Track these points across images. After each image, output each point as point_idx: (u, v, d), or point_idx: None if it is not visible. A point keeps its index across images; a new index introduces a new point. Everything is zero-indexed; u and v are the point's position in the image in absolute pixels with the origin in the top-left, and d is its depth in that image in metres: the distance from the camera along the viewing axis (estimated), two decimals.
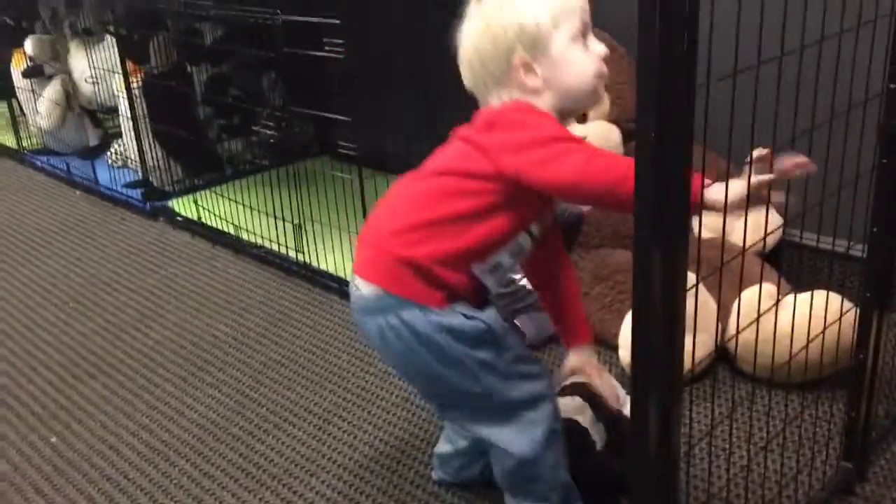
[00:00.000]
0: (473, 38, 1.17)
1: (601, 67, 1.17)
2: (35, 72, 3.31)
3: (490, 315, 1.18)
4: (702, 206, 0.96)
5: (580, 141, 1.11)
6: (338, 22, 1.91)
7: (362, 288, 1.18)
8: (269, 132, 2.42)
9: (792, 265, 2.04)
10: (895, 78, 1.15)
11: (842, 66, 1.08)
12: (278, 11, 2.09)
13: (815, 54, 1.02)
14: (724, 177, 0.99)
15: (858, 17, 1.08)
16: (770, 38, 0.95)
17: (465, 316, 1.16)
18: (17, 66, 3.40)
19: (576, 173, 1.06)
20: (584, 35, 1.16)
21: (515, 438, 1.21)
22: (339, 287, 2.21)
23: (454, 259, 1.15)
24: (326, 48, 1.95)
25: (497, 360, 1.18)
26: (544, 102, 1.16)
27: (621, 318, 1.83)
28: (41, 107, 3.34)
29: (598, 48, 1.18)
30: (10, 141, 3.67)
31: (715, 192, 0.98)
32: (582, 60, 1.15)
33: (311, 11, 2.14)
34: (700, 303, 1.67)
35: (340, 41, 1.92)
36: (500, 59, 1.15)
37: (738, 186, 0.99)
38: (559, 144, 1.08)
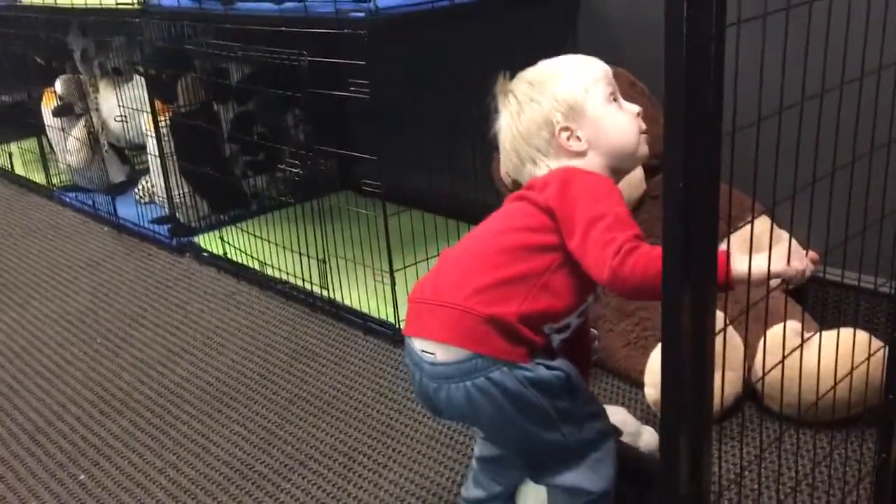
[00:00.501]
0: (512, 123, 1.23)
1: (640, 124, 1.22)
2: (65, 110, 3.38)
3: (564, 364, 1.19)
4: (727, 287, 1.02)
5: (627, 228, 1.10)
6: (363, 63, 1.95)
7: (442, 353, 1.15)
8: (293, 170, 2.45)
9: (818, 301, 2.03)
10: None
11: (866, 107, 1.09)
12: (304, 53, 2.13)
13: (837, 97, 1.03)
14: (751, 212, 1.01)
15: (880, 60, 1.09)
16: (792, 82, 0.96)
17: (546, 367, 1.16)
18: (48, 105, 3.48)
19: (610, 272, 1.07)
20: (615, 98, 1.22)
21: (589, 477, 1.22)
22: (363, 323, 2.22)
23: (537, 317, 1.15)
24: (351, 89, 1.99)
25: (574, 406, 1.20)
26: (592, 164, 1.20)
27: (646, 355, 1.83)
28: (70, 144, 3.40)
29: (632, 107, 1.24)
30: (39, 177, 3.74)
31: (739, 268, 1.05)
32: (620, 117, 1.21)
33: (338, 52, 2.18)
34: (726, 340, 1.66)
35: (365, 82, 1.95)
36: (541, 133, 1.20)
37: (761, 264, 1.07)
38: (604, 233, 1.09)
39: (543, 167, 1.22)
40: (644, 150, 1.24)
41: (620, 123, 1.21)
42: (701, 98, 0.74)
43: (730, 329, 1.72)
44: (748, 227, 2.00)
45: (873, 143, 1.15)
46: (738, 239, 2.04)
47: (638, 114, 1.24)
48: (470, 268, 1.18)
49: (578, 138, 1.19)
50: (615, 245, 1.08)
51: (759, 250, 2.01)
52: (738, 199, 2.07)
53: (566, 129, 1.19)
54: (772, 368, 1.52)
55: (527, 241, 1.16)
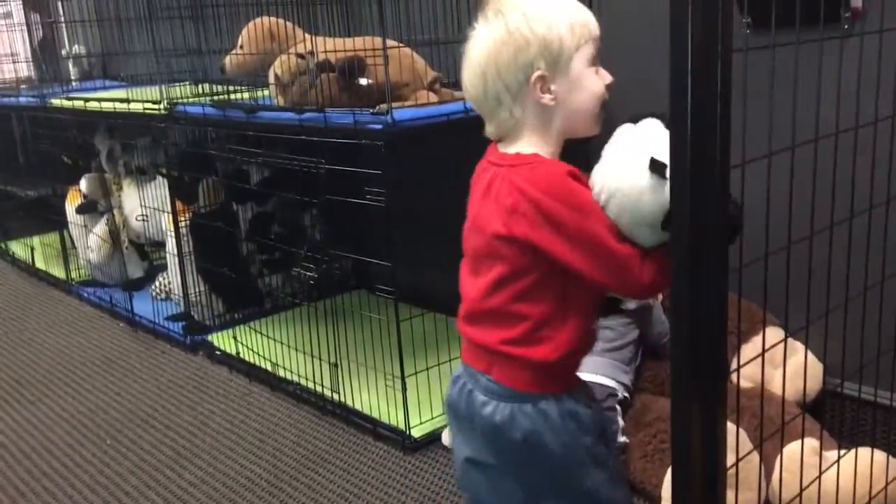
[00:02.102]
0: (491, 46, 1.13)
1: (605, 93, 1.16)
2: (88, 208, 3.46)
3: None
4: None
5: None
6: (380, 173, 1.99)
7: (503, 394, 1.17)
8: (308, 273, 2.48)
9: (835, 417, 2.00)
10: None
11: (877, 239, 1.11)
12: (323, 161, 2.19)
13: (846, 229, 1.05)
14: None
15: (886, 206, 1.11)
16: (799, 217, 0.98)
17: (585, 405, 1.18)
18: (72, 202, 3.56)
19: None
20: (595, 62, 1.15)
21: None
22: (372, 428, 2.20)
23: (568, 351, 1.15)
24: (367, 196, 2.03)
25: (607, 453, 1.20)
26: (550, 123, 1.15)
27: (664, 469, 1.79)
28: (91, 241, 3.47)
29: (606, 76, 1.17)
30: (59, 272, 3.79)
31: None
32: (594, 85, 1.15)
33: (357, 158, 2.24)
34: (748, 458, 1.63)
35: (381, 190, 2.00)
36: (518, 72, 1.12)
37: None
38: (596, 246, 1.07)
39: (505, 110, 1.15)
40: (598, 121, 1.18)
41: (592, 90, 1.14)
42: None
43: (747, 445, 1.70)
44: (760, 339, 2.00)
45: (884, 271, 1.17)
46: (751, 351, 2.03)
47: (608, 85, 1.17)
48: (488, 323, 1.17)
49: (550, 91, 1.13)
50: (627, 260, 1.06)
51: (773, 364, 2.01)
52: (750, 311, 2.08)
53: (542, 77, 1.12)
54: (792, 500, 1.49)
55: (514, 297, 1.14)
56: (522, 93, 1.13)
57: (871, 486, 1.39)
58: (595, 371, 1.91)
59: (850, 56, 1.07)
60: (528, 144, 1.15)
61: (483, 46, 1.14)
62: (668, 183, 0.92)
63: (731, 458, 1.60)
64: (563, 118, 1.15)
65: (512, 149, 1.16)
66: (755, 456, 1.69)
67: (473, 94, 1.18)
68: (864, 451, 1.57)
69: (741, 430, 1.69)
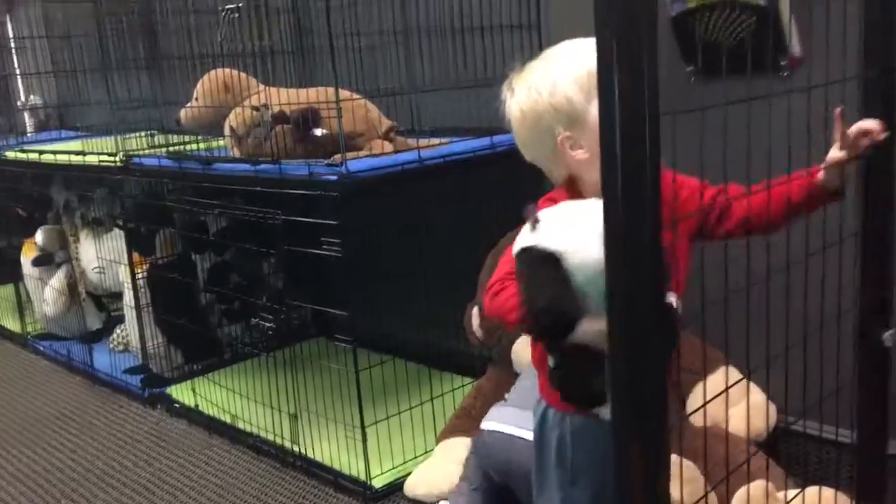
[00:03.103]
0: (516, 125, 1.22)
1: None
2: (44, 260, 3.41)
3: None
4: None
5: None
6: (336, 223, 2.01)
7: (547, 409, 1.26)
8: (266, 324, 2.47)
9: (790, 454, 2.03)
10: (865, 292, 1.21)
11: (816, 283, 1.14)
12: (280, 212, 2.19)
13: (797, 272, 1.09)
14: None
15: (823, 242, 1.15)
16: (736, 272, 1.01)
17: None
18: (28, 255, 3.51)
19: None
20: None
21: None
22: (333, 479, 2.18)
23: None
24: (324, 247, 2.04)
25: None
26: (594, 174, 1.16)
27: None
28: (48, 294, 3.42)
29: None
30: (14, 325, 3.73)
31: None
32: None
33: (314, 208, 2.25)
34: (699, 492, 1.65)
35: (338, 241, 2.00)
36: (545, 141, 1.19)
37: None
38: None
39: (555, 170, 1.22)
40: None
41: None
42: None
43: (702, 481, 1.71)
44: (717, 376, 2.02)
45: (837, 312, 1.20)
46: (708, 390, 2.06)
47: None
48: None
49: (581, 146, 1.17)
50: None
51: (731, 403, 2.03)
52: (707, 351, 2.11)
53: (569, 137, 1.17)
54: None
55: None
56: (559, 155, 1.19)
57: None
58: (506, 421, 1.84)
59: (789, 103, 1.12)
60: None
61: (512, 124, 1.23)
62: None
63: (688, 496, 1.62)
64: None
65: None
66: (712, 496, 1.71)
67: (530, 160, 1.26)
68: (811, 490, 1.59)
69: (692, 464, 1.71)
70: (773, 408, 2.01)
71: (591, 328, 1.05)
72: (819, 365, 1.23)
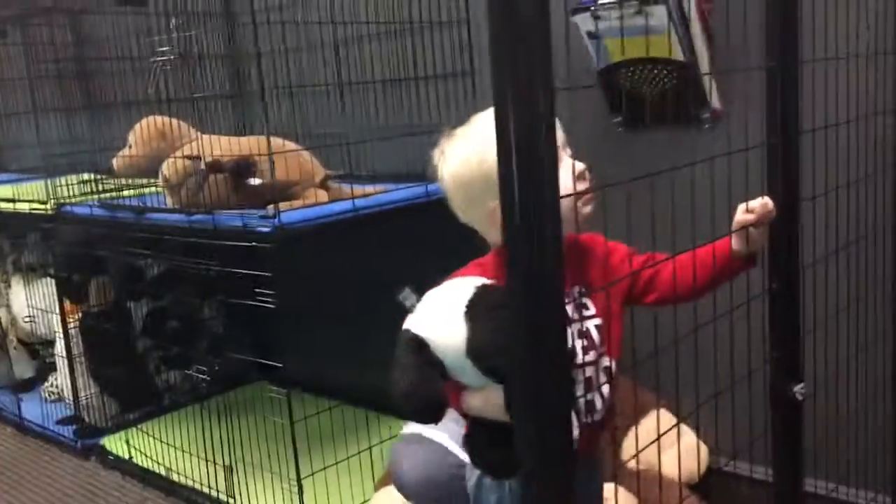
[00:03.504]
0: (449, 191, 1.22)
1: (578, 185, 1.13)
2: None
3: None
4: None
5: None
6: (269, 275, 2.00)
7: None
8: (200, 376, 2.45)
9: (724, 493, 2.07)
10: (776, 348, 1.25)
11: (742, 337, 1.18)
12: (214, 263, 2.18)
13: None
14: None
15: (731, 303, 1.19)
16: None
17: None
18: None
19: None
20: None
21: None
22: None
23: None
24: (258, 298, 2.03)
25: None
26: None
27: None
28: None
29: (577, 165, 1.15)
30: None
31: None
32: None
33: (249, 259, 2.24)
34: None
35: (271, 292, 2.00)
36: (476, 207, 1.18)
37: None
38: None
39: (489, 235, 1.21)
40: (585, 211, 1.14)
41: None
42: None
43: None
44: (650, 420, 2.06)
45: (749, 362, 1.24)
46: (642, 433, 2.09)
47: (580, 173, 1.15)
48: None
49: None
50: None
51: (664, 446, 2.07)
52: (640, 395, 2.15)
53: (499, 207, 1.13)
54: None
55: None
56: (491, 222, 1.16)
57: None
58: (451, 436, 1.81)
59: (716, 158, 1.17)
60: None
61: (445, 189, 1.23)
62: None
63: None
64: None
65: None
66: None
67: (465, 222, 1.24)
68: None
69: (630, 494, 1.74)
70: (704, 450, 2.05)
71: (474, 402, 1.08)
72: (748, 410, 1.28)
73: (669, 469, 1.97)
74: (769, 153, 1.19)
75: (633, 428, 2.09)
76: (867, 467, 1.76)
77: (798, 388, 1.24)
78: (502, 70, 0.77)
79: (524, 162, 0.76)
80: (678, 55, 1.86)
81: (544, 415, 0.83)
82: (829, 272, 1.56)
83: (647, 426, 2.07)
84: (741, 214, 1.16)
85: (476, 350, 1.01)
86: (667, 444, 2.09)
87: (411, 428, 1.86)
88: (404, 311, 1.12)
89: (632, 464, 1.99)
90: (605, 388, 1.23)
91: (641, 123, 2.06)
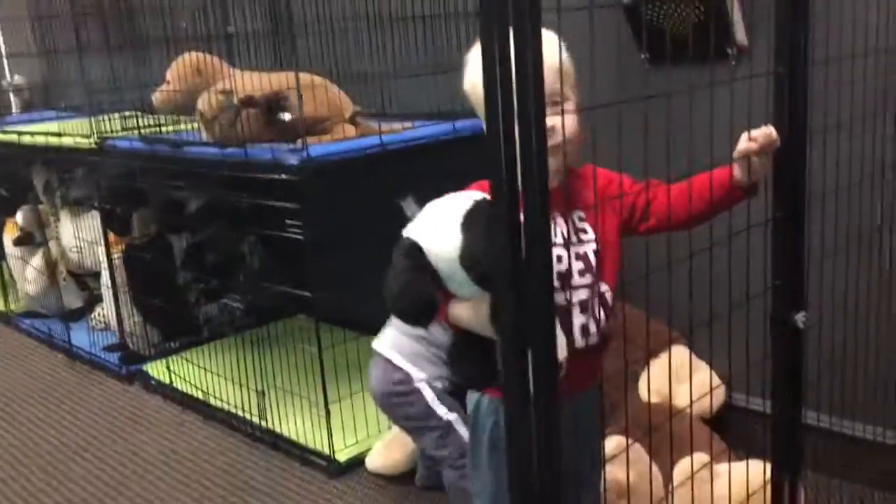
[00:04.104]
0: (473, 96, 1.26)
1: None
2: (25, 240, 3.47)
3: None
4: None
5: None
6: (298, 207, 2.06)
7: None
8: (235, 304, 2.54)
9: (740, 429, 2.11)
10: (778, 276, 1.27)
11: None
12: (244, 195, 2.25)
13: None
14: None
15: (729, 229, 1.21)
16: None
17: None
18: (10, 234, 3.57)
19: None
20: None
21: None
22: (300, 454, 2.26)
23: None
24: (288, 229, 2.10)
25: None
26: None
27: None
28: (29, 273, 3.48)
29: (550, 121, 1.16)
30: None
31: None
32: None
33: (279, 192, 2.31)
34: (644, 473, 1.72)
35: (300, 223, 2.07)
36: None
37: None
38: None
39: None
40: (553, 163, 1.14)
41: None
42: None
43: (644, 460, 1.79)
44: (663, 355, 2.09)
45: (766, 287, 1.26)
46: (657, 367, 2.13)
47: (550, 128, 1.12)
48: None
49: None
50: None
51: (679, 380, 2.10)
52: (655, 329, 2.18)
53: None
54: None
55: None
56: None
57: (747, 491, 1.49)
58: (400, 352, 1.90)
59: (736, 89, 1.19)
60: None
61: (469, 95, 1.28)
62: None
63: (630, 474, 1.69)
64: None
65: None
66: (655, 470, 1.79)
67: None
68: (749, 463, 1.67)
69: (637, 445, 1.79)
70: (718, 384, 2.09)
71: (462, 312, 1.12)
72: (746, 339, 1.30)
73: (683, 402, 2.01)
74: (777, 83, 1.19)
75: (647, 361, 2.13)
76: (868, 401, 1.77)
77: (800, 315, 1.26)
78: None
79: (507, 72, 0.80)
80: None
81: (528, 324, 0.87)
82: (839, 206, 1.55)
83: (664, 361, 2.11)
84: (744, 143, 1.17)
85: (468, 258, 1.05)
86: (682, 379, 2.13)
87: (376, 344, 1.93)
88: (405, 219, 1.16)
89: (645, 397, 2.05)
90: (601, 313, 1.27)
91: (667, 59, 2.05)
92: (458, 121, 2.31)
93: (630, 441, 1.77)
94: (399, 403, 1.86)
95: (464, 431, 1.80)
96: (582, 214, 1.25)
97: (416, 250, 1.10)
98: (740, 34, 1.90)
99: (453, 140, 2.30)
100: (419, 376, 1.87)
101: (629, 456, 1.74)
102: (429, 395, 1.86)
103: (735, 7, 1.88)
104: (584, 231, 1.25)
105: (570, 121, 1.17)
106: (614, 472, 1.71)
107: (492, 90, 0.81)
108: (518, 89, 0.80)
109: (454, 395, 1.87)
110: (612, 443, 1.75)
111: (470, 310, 1.12)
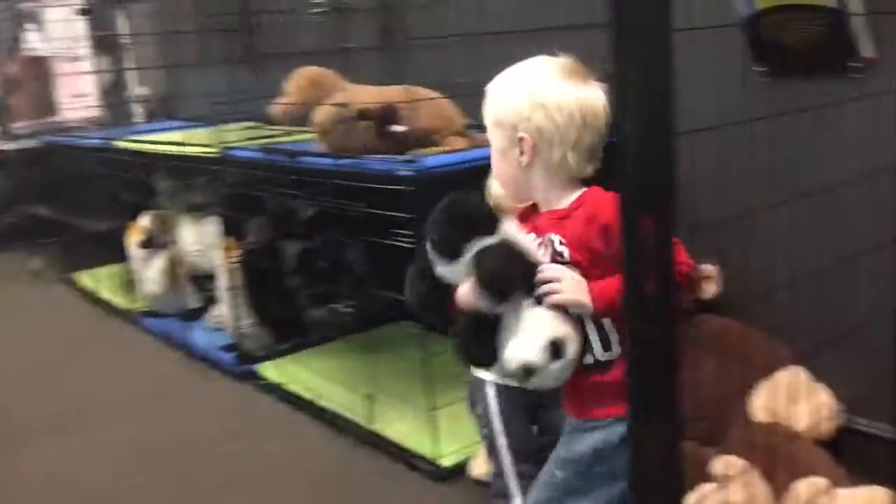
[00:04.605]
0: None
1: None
2: (148, 243, 3.67)
3: None
4: None
5: None
6: (409, 216, 2.11)
7: None
8: (346, 309, 2.62)
9: (859, 453, 2.03)
10: None
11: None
12: (362, 205, 2.32)
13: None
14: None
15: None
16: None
17: None
18: (133, 238, 3.78)
19: None
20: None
21: None
22: (405, 457, 2.31)
23: None
24: (399, 239, 2.15)
25: None
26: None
27: None
28: (151, 274, 3.67)
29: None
30: (122, 302, 4.01)
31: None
32: None
33: (391, 202, 2.38)
34: (757, 495, 1.69)
35: (412, 233, 2.12)
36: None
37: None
38: None
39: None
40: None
41: None
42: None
43: (757, 481, 1.75)
44: (780, 375, 2.04)
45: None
46: (771, 388, 2.08)
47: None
48: None
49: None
50: None
51: (793, 401, 2.05)
52: (770, 349, 2.13)
53: None
54: None
55: None
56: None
57: None
58: None
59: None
60: None
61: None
62: None
63: (741, 495, 1.66)
64: None
65: None
66: (765, 491, 1.75)
67: None
68: (869, 489, 1.61)
69: (749, 466, 1.75)
70: (835, 407, 2.02)
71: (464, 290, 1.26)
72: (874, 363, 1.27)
73: (798, 424, 1.95)
74: None
75: (763, 381, 2.08)
76: None
77: None
78: None
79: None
80: (827, 1, 1.80)
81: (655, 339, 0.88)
82: None
83: (781, 381, 2.05)
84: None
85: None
86: (796, 400, 2.07)
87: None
88: None
89: (760, 416, 2.00)
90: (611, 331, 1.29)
91: (787, 73, 2.01)
92: None
93: (741, 462, 1.74)
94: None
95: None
96: (562, 239, 1.30)
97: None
98: (867, 46, 1.85)
99: None
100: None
101: (740, 478, 1.72)
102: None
103: (860, 18, 1.83)
104: (562, 256, 1.29)
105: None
106: (726, 494, 1.68)
107: (622, 104, 0.83)
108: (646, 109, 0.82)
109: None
110: (724, 463, 1.73)
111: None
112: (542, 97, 1.30)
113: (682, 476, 0.94)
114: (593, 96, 1.31)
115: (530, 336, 1.20)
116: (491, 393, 1.77)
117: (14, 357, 3.48)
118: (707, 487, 1.73)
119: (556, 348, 1.20)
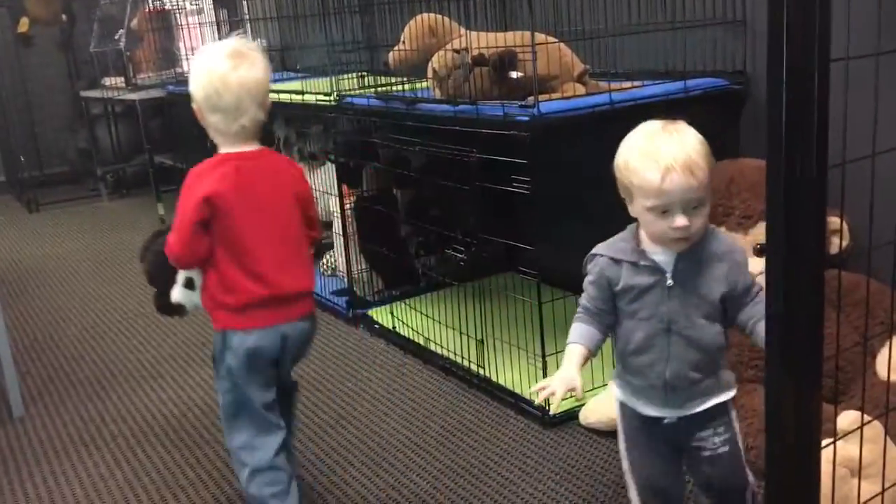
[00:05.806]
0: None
1: None
2: None
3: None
4: None
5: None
6: (525, 162, 2.11)
7: None
8: (458, 255, 2.65)
9: None
10: None
11: None
12: (474, 150, 2.33)
13: None
14: None
15: None
16: None
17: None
18: None
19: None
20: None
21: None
22: (514, 402, 2.34)
23: None
24: (514, 185, 2.15)
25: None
26: None
27: None
28: None
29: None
30: None
31: None
32: None
33: (506, 148, 2.38)
34: (880, 452, 1.63)
35: (527, 179, 2.11)
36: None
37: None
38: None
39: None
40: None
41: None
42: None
43: (883, 439, 1.69)
44: None
45: None
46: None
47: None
48: None
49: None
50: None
51: None
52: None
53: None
54: None
55: None
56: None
57: None
58: None
59: None
60: None
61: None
62: None
63: (868, 454, 1.61)
64: None
65: None
66: (893, 451, 1.69)
67: None
68: None
69: (876, 423, 1.69)
70: None
71: None
72: None
73: None
74: None
75: (889, 336, 2.00)
76: None
77: None
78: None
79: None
80: None
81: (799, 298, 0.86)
82: None
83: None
84: None
85: None
86: None
87: None
88: None
89: (883, 374, 1.93)
90: None
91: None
92: (690, 79, 2.25)
93: (866, 419, 1.69)
94: None
95: None
96: None
97: None
98: None
99: (685, 99, 2.25)
100: None
101: (864, 433, 1.66)
102: None
103: None
104: None
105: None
106: (847, 449, 1.63)
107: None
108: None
109: None
110: (849, 418, 1.67)
111: None
112: None
113: (819, 429, 0.92)
114: None
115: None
116: (618, 411, 1.65)
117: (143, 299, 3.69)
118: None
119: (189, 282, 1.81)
